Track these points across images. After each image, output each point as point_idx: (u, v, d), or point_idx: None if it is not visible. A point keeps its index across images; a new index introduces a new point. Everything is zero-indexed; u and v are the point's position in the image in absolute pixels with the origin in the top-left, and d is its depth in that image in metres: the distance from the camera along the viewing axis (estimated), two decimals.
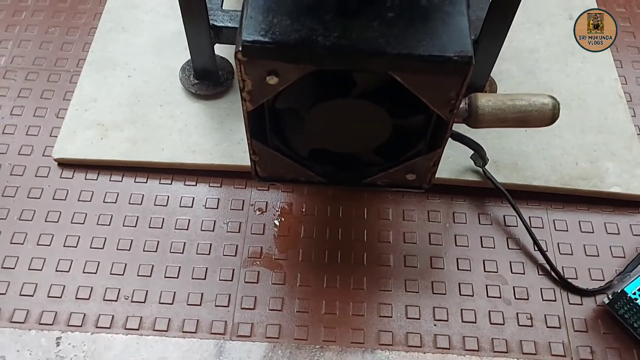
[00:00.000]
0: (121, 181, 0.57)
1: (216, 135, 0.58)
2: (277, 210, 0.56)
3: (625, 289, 0.47)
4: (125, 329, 0.49)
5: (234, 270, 0.53)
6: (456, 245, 0.55)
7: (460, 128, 0.48)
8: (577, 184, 0.56)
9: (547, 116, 0.40)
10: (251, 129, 0.41)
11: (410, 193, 0.57)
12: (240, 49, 0.34)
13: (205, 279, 0.52)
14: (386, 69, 0.35)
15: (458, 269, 0.53)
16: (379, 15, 0.35)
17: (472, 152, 0.54)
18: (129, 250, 0.53)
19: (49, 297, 0.50)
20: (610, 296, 0.50)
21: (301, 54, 0.34)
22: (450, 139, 0.48)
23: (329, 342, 0.49)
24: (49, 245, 0.53)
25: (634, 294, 0.47)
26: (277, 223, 0.55)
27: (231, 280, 0.52)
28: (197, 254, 0.53)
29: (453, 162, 0.57)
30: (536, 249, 0.54)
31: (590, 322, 0.50)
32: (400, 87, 0.37)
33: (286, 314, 0.50)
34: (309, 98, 0.39)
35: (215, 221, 0.55)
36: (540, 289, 0.52)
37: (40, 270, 0.52)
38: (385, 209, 0.57)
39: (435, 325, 0.50)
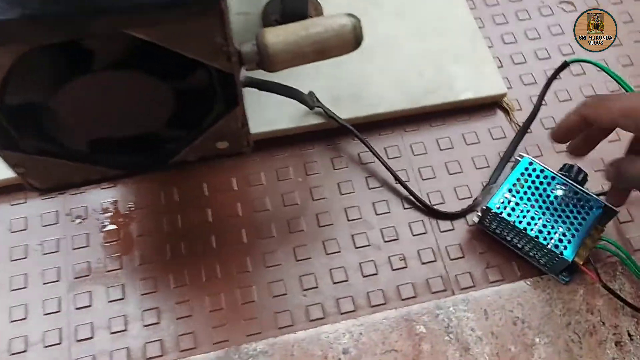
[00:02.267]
0: None
1: None
2: (100, 213, 0.47)
3: (488, 205, 0.43)
4: None
5: (60, 298, 0.44)
6: (313, 200, 0.48)
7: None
8: (427, 99, 0.51)
9: (349, 39, 0.34)
10: None
11: (255, 154, 0.50)
12: None
13: (26, 318, 0.43)
14: (116, 28, 0.26)
15: (319, 226, 0.47)
16: None
17: (304, 103, 0.47)
18: None
19: None
20: (479, 214, 0.46)
21: None
22: (258, 90, 0.41)
23: (186, 351, 0.42)
24: None
25: (498, 208, 0.43)
26: (103, 228, 0.46)
27: (59, 312, 0.43)
28: (11, 290, 0.44)
29: (289, 109, 0.49)
30: (397, 182, 0.49)
31: (466, 246, 0.47)
32: (156, 45, 0.28)
33: (134, 333, 0.43)
34: (41, 85, 0.29)
35: (27, 245, 0.46)
36: (409, 224, 0.47)
37: None
38: (227, 179, 0.49)
39: (305, 296, 0.44)
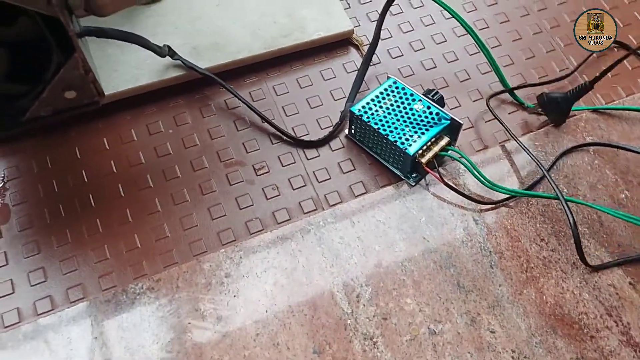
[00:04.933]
0: None
1: None
2: None
3: (351, 109, 0.49)
4: None
5: None
6: (185, 148, 0.51)
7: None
8: (282, 42, 0.55)
9: None
10: None
11: (124, 112, 0.52)
12: None
13: None
14: None
15: (194, 171, 0.50)
16: None
17: (153, 51, 0.49)
18: None
19: None
20: (349, 125, 0.51)
21: None
22: (97, 38, 0.43)
23: (77, 301, 0.44)
24: None
25: (359, 111, 0.48)
26: None
27: None
28: None
29: (152, 64, 0.51)
30: (264, 121, 0.52)
31: (331, 169, 0.51)
32: None
33: (22, 294, 0.44)
34: None
35: None
36: (278, 157, 0.51)
37: None
38: (99, 140, 0.51)
39: (186, 235, 0.47)
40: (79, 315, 0.43)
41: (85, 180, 0.49)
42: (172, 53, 0.51)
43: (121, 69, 0.51)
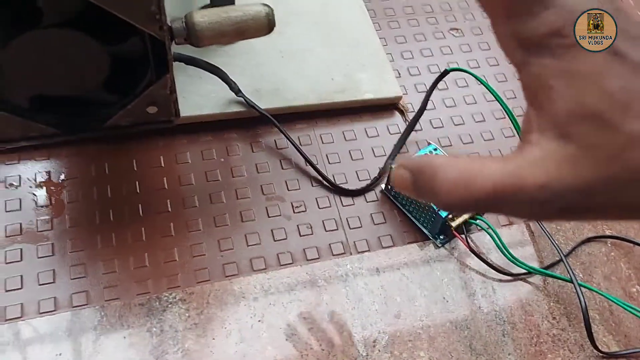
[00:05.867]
0: None
1: None
2: (34, 182, 0.51)
3: (392, 166, 0.52)
4: None
5: None
6: (233, 177, 0.55)
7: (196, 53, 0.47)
8: (335, 97, 0.59)
9: (263, 23, 0.41)
10: None
11: (183, 136, 0.56)
12: None
13: None
14: None
15: (237, 199, 0.54)
16: None
17: (228, 85, 0.54)
18: None
19: None
20: (386, 181, 0.54)
21: None
22: (186, 65, 0.48)
23: (111, 300, 0.46)
24: None
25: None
26: (36, 195, 0.51)
27: None
28: None
29: (216, 97, 0.56)
30: (307, 164, 0.56)
31: (363, 218, 0.54)
32: (99, 7, 0.34)
33: (61, 285, 0.47)
34: None
35: None
36: (316, 198, 0.55)
37: None
38: (156, 156, 0.55)
39: (222, 256, 0.50)
40: (110, 314, 0.45)
41: (138, 191, 0.52)
42: (237, 90, 0.55)
43: (188, 97, 0.55)
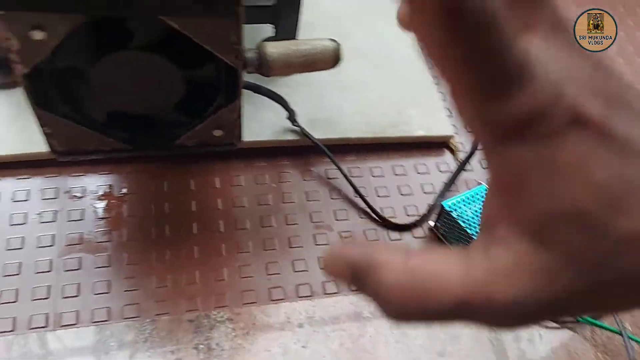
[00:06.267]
0: None
1: (16, 124, 0.53)
2: (96, 194, 0.54)
3: (442, 203, 0.52)
4: None
5: (51, 260, 0.49)
6: (283, 202, 0.56)
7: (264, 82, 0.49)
8: (388, 132, 0.61)
9: (330, 57, 0.43)
10: (34, 96, 0.39)
11: (238, 160, 0.58)
12: None
13: (19, 274, 0.48)
14: (156, 13, 0.35)
15: (287, 224, 0.55)
16: None
17: (288, 113, 0.56)
18: None
19: None
20: (436, 215, 0.55)
21: (63, 1, 0.33)
22: (252, 92, 0.50)
23: (161, 315, 0.48)
24: None
25: (449, 206, 0.52)
26: (97, 207, 0.53)
27: (50, 271, 0.49)
28: (7, 250, 0.49)
29: (273, 125, 0.58)
30: (357, 195, 0.57)
31: None
32: (183, 35, 0.37)
33: (115, 296, 0.48)
34: (87, 54, 0.37)
35: (26, 213, 0.51)
36: (363, 230, 0.55)
37: None
38: (212, 178, 0.57)
39: (269, 280, 0.51)
40: (160, 327, 0.47)
41: (193, 209, 0.54)
42: (294, 119, 0.57)
43: (247, 123, 0.57)
